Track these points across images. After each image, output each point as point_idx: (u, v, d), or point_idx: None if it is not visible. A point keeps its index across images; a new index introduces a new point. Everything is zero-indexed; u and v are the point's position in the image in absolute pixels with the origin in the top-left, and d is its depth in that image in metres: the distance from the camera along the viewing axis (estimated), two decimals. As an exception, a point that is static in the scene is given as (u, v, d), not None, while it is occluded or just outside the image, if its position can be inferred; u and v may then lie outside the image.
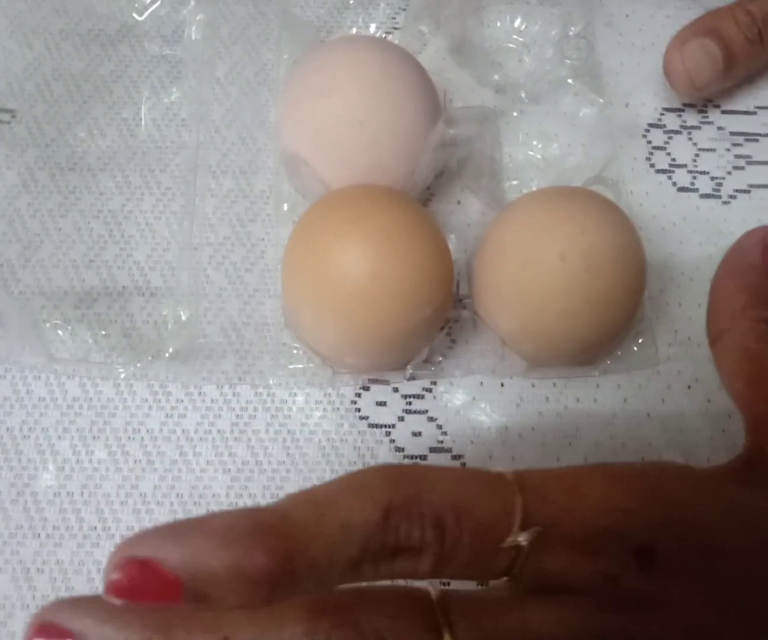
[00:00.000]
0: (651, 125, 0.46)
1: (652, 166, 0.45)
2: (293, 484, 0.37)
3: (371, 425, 0.38)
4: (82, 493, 0.37)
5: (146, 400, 0.38)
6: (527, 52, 0.47)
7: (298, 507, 0.22)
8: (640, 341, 0.39)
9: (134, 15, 0.46)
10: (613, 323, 0.36)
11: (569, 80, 0.46)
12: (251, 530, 0.21)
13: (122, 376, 0.38)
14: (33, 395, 0.38)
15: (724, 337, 0.31)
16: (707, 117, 0.46)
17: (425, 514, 0.23)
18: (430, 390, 0.39)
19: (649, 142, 0.45)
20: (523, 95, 0.45)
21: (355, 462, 0.37)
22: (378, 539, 0.22)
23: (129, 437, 0.37)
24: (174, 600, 0.21)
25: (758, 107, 0.46)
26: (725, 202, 0.44)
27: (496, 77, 0.45)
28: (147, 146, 0.44)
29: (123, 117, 0.44)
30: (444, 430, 0.38)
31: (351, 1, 0.47)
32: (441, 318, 0.37)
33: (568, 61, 0.46)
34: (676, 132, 0.46)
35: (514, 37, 0.47)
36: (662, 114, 0.46)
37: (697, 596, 0.25)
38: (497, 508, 0.24)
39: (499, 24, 0.47)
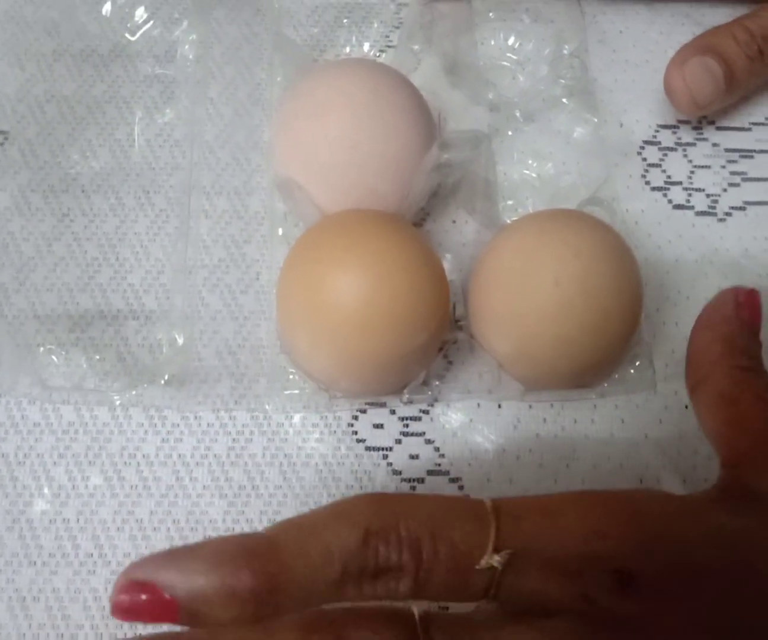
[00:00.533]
0: (646, 142, 0.46)
1: (647, 183, 0.45)
2: (290, 509, 0.37)
3: (368, 448, 0.38)
4: (78, 519, 0.36)
5: (142, 424, 0.38)
6: (521, 71, 0.47)
7: (283, 532, 0.25)
8: (637, 363, 0.39)
9: (127, 35, 0.46)
10: (609, 347, 0.36)
11: (563, 100, 0.46)
12: (238, 554, 0.24)
13: (117, 403, 0.38)
14: (28, 420, 0.38)
15: (702, 384, 0.34)
16: (702, 134, 0.46)
17: (402, 537, 0.25)
18: (427, 412, 0.39)
19: (644, 159, 0.45)
20: (517, 114, 0.45)
21: (352, 486, 0.37)
22: (357, 562, 0.25)
23: (125, 463, 0.37)
24: (172, 619, 0.24)
25: (753, 123, 0.47)
26: (721, 220, 0.44)
27: (490, 96, 0.46)
28: (141, 167, 0.44)
29: (116, 138, 0.44)
30: (441, 452, 0.38)
31: (344, 20, 0.48)
32: (437, 342, 0.37)
33: (563, 81, 0.46)
34: (671, 149, 0.46)
35: (508, 55, 0.47)
36: (657, 131, 0.46)
37: (678, 617, 0.25)
38: (472, 532, 0.25)
39: (492, 42, 0.48)
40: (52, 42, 0.46)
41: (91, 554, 0.36)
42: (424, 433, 0.38)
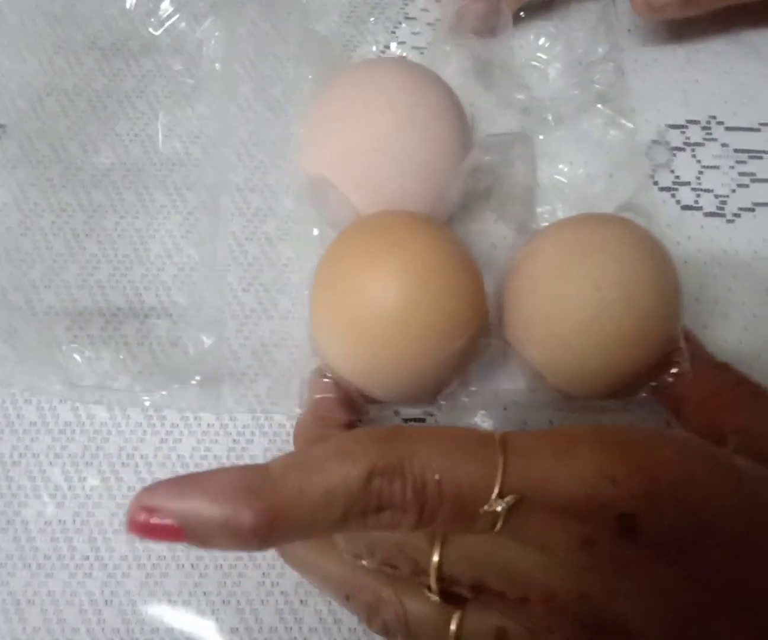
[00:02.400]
0: (654, 142, 0.30)
1: (655, 183, 0.29)
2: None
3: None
4: (75, 521, 0.23)
5: (140, 424, 0.24)
6: (552, 72, 0.31)
7: (285, 471, 0.17)
8: (673, 371, 0.24)
9: (151, 30, 0.30)
10: (648, 355, 0.21)
11: (597, 104, 0.30)
12: (239, 492, 0.16)
13: (148, 404, 0.25)
14: (23, 419, 0.24)
15: None
16: (711, 133, 0.30)
17: (407, 479, 0.16)
18: (432, 414, 0.24)
19: (653, 159, 0.30)
20: (549, 117, 0.30)
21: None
22: (360, 503, 0.17)
23: (123, 463, 0.24)
24: (180, 541, 0.17)
25: (762, 124, 0.30)
26: (729, 221, 0.29)
27: (521, 97, 0.30)
28: (172, 163, 0.29)
29: (147, 133, 0.30)
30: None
31: (372, 19, 0.32)
32: (474, 348, 0.23)
33: (597, 85, 0.30)
34: (680, 149, 0.30)
35: (539, 55, 0.31)
36: (665, 131, 0.30)
37: (677, 572, 0.17)
38: (478, 474, 0.17)
39: (523, 43, 0.31)
40: (77, 34, 0.31)
41: (88, 557, 0.23)
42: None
